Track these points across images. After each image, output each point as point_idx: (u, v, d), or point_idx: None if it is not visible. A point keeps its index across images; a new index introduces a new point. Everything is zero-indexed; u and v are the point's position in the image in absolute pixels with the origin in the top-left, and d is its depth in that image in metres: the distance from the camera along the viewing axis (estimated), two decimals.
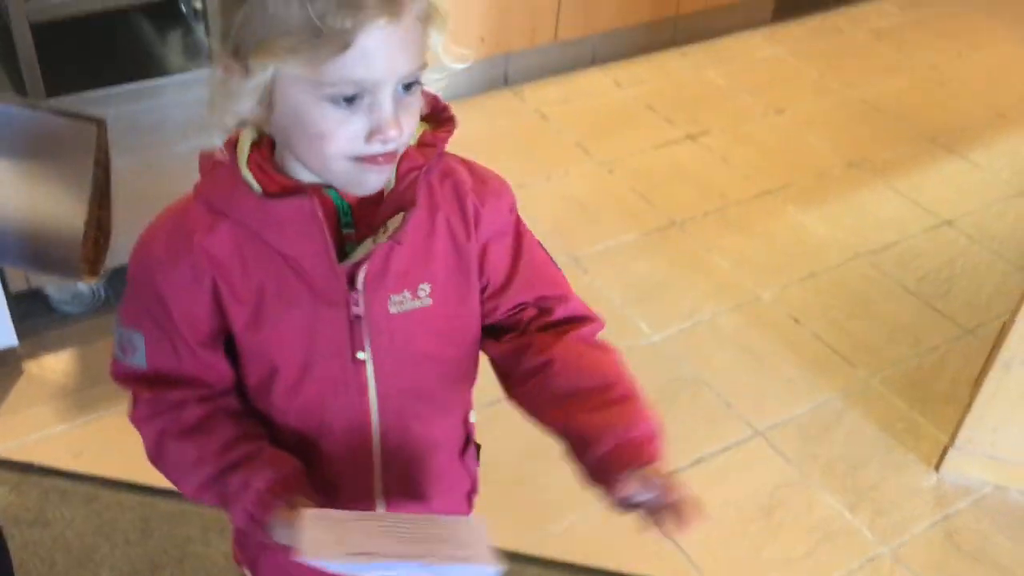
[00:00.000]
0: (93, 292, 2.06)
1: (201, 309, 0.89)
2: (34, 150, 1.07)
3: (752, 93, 3.06)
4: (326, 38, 0.75)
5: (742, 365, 2.12)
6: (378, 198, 0.88)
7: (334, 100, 0.79)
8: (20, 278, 1.90)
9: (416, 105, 0.84)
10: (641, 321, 2.20)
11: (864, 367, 2.14)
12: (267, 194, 0.86)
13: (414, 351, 0.94)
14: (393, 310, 0.91)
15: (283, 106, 0.81)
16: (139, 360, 0.91)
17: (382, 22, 0.76)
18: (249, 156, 0.87)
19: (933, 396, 2.09)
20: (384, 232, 0.86)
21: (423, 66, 0.82)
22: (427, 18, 0.81)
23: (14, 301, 1.92)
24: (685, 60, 3.21)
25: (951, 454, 1.89)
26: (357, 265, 0.88)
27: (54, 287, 2.01)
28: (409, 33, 0.79)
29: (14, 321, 1.88)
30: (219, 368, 0.93)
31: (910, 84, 3.19)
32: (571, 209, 2.52)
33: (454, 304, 0.94)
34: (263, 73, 0.79)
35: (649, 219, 2.52)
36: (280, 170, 0.87)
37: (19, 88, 1.75)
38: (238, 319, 0.90)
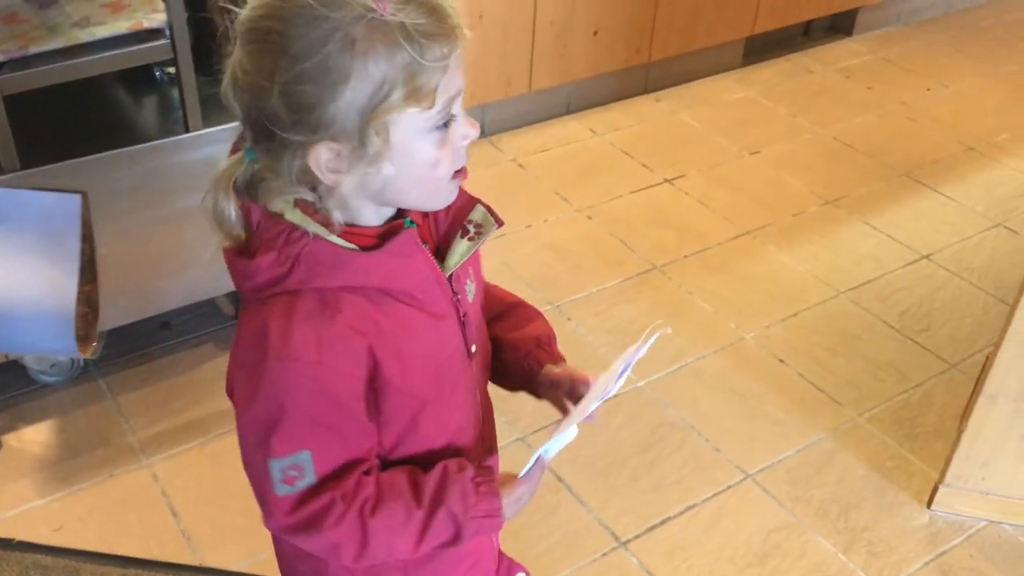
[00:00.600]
0: (72, 361, 2.04)
1: (362, 380, 0.89)
2: (19, 230, 1.06)
3: (726, 135, 3.09)
4: (429, 71, 0.79)
5: (729, 408, 2.12)
6: (425, 212, 0.94)
7: (438, 126, 0.83)
8: None
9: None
10: None
11: (851, 406, 2.14)
12: (366, 248, 0.87)
13: (483, 330, 1.03)
14: (470, 299, 0.98)
15: (391, 155, 0.83)
16: (308, 478, 0.88)
17: (465, 37, 0.81)
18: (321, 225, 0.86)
19: (921, 432, 2.08)
20: (478, 231, 0.93)
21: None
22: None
23: None
24: (659, 105, 3.25)
25: (942, 491, 1.88)
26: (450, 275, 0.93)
27: (32, 357, 1.98)
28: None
29: None
30: (373, 432, 0.93)
31: (881, 121, 3.23)
32: (552, 257, 2.53)
33: (481, 279, 1.03)
34: (380, 136, 0.81)
35: (630, 264, 2.52)
36: (352, 225, 0.88)
37: None
38: (391, 372, 0.89)
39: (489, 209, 0.95)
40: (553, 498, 1.87)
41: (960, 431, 1.82)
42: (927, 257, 2.61)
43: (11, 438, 1.94)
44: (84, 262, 1.01)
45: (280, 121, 0.81)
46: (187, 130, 1.87)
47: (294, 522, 0.90)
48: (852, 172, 2.95)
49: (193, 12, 1.96)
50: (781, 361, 2.25)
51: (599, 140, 3.04)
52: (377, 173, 0.83)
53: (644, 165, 2.93)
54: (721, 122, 3.16)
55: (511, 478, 0.96)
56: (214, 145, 1.91)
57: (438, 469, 0.93)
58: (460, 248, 0.93)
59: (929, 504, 1.90)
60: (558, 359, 1.07)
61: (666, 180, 2.87)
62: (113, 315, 1.99)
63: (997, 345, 1.71)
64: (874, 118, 3.25)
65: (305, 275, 0.85)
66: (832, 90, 3.40)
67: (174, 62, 1.82)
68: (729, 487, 1.94)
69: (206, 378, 2.09)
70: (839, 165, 2.99)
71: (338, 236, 0.86)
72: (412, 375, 0.91)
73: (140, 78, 2.03)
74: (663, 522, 1.85)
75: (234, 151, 0.89)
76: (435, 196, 0.89)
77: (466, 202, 0.94)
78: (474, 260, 0.99)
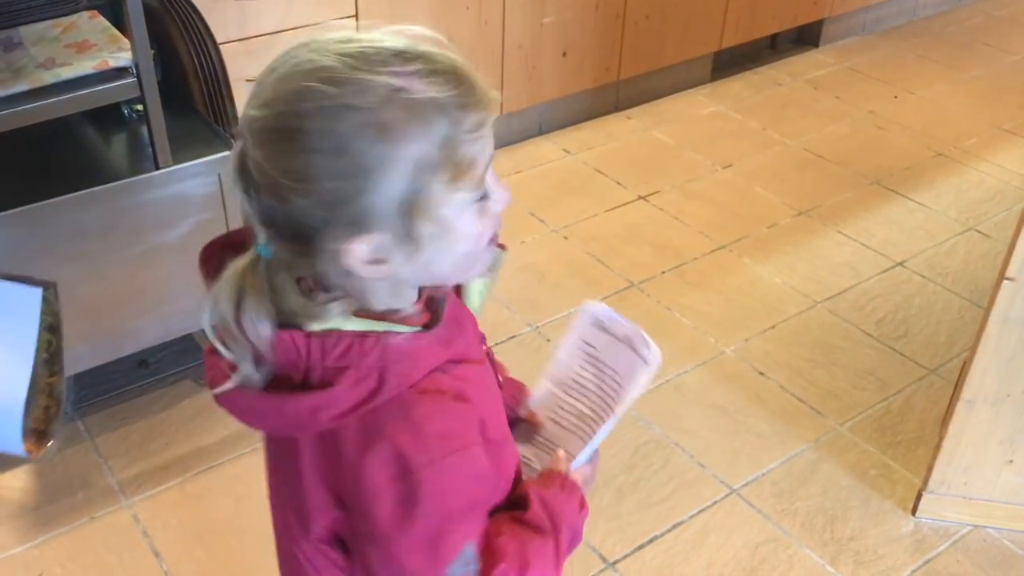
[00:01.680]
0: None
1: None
2: None
3: (698, 150, 3.11)
4: (467, 143, 0.74)
5: (712, 423, 2.12)
6: None
7: (477, 199, 0.78)
8: None
9: None
10: None
11: (832, 415, 2.15)
12: (426, 327, 0.82)
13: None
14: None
15: (432, 236, 0.77)
16: (474, 566, 0.82)
17: (497, 102, 0.78)
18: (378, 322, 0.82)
19: (903, 439, 2.09)
20: (491, 272, 0.90)
21: None
22: None
23: None
24: (630, 123, 3.26)
25: (926, 497, 1.88)
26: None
27: None
28: None
29: None
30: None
31: (850, 130, 3.27)
32: (529, 278, 2.53)
33: None
34: (425, 220, 0.75)
35: (608, 282, 2.53)
36: (395, 311, 0.82)
37: None
38: (491, 428, 0.88)
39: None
40: None
41: (941, 437, 1.83)
42: (901, 264, 2.63)
43: None
44: (52, 353, 0.97)
45: (312, 219, 0.74)
46: (157, 167, 1.86)
47: None
48: (824, 182, 2.98)
49: (160, 49, 1.96)
50: (761, 374, 2.25)
51: (572, 160, 3.06)
52: (422, 258, 0.77)
53: (618, 183, 2.94)
54: (692, 137, 3.18)
55: (566, 461, 0.98)
56: (185, 181, 1.90)
57: (538, 498, 0.91)
58: (476, 286, 0.90)
59: (914, 511, 1.91)
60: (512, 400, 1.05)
61: (640, 197, 2.88)
62: (89, 355, 1.97)
63: (972, 349, 1.73)
64: (843, 127, 3.28)
65: (397, 379, 0.78)
66: (801, 101, 3.43)
67: (142, 99, 1.81)
68: (715, 503, 1.94)
69: (185, 415, 2.07)
70: (811, 175, 3.01)
71: (400, 324, 0.81)
72: (499, 424, 0.91)
73: (109, 116, 2.02)
74: (650, 541, 1.85)
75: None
76: (473, 267, 0.84)
77: None
78: None
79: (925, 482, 1.88)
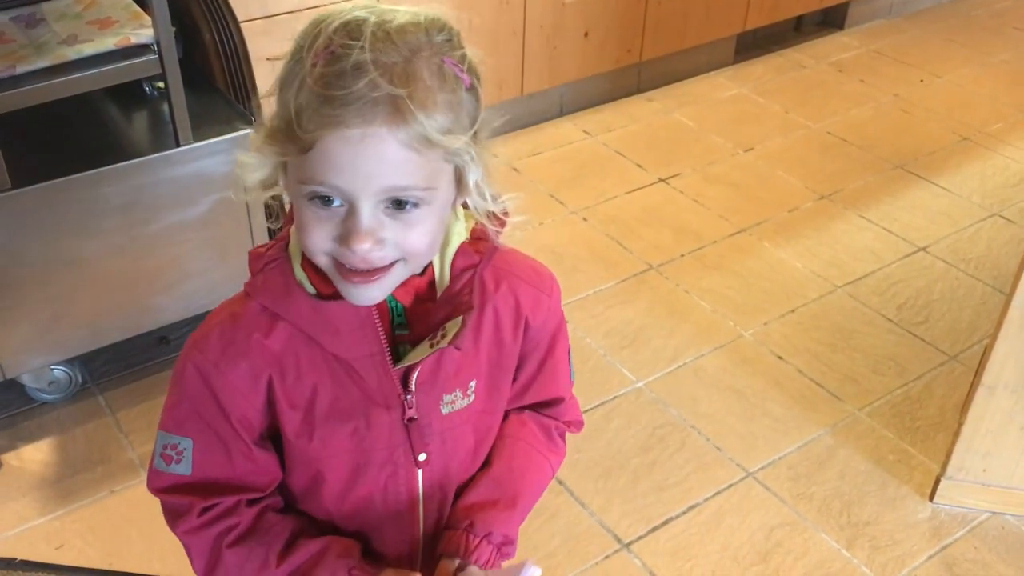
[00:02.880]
0: (70, 378, 2.04)
1: (256, 410, 0.88)
2: None
3: (720, 133, 3.09)
4: (295, 135, 0.75)
5: (729, 406, 2.11)
6: (431, 295, 0.87)
7: (310, 197, 0.78)
8: None
9: (423, 224, 0.80)
10: (624, 368, 2.19)
11: (851, 400, 2.13)
12: (320, 295, 0.84)
13: (458, 447, 0.94)
14: (445, 411, 0.91)
15: (289, 191, 0.82)
16: (184, 468, 0.89)
17: (349, 133, 0.73)
18: (303, 256, 0.85)
19: (922, 425, 2.08)
20: (443, 336, 0.85)
21: (425, 188, 0.78)
22: (427, 143, 0.76)
23: None
24: (651, 105, 3.24)
25: (944, 483, 1.87)
26: (410, 368, 0.87)
27: (30, 376, 1.98)
28: (395, 151, 0.75)
29: None
30: (271, 469, 0.91)
31: (875, 114, 3.23)
32: (548, 260, 2.49)
33: (489, 399, 0.95)
34: (266, 154, 0.80)
35: (626, 265, 2.52)
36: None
37: None
38: (289, 425, 0.88)
39: (464, 324, 0.86)
40: (554, 502, 1.86)
41: (960, 423, 1.81)
42: (924, 249, 2.60)
43: (11, 457, 1.94)
44: None
45: None
46: (178, 144, 1.87)
47: (161, 501, 0.92)
48: (846, 166, 2.95)
49: (181, 26, 1.96)
50: (780, 358, 2.24)
51: (592, 141, 3.04)
52: (260, 173, 0.82)
53: (638, 165, 2.93)
54: (714, 120, 3.16)
55: (405, 573, 0.90)
56: (205, 159, 1.91)
57: (319, 544, 0.90)
58: (419, 349, 0.86)
59: (931, 497, 1.90)
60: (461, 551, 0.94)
61: (661, 179, 2.86)
62: (110, 331, 1.99)
63: (994, 336, 1.71)
64: (868, 111, 3.24)
65: (259, 287, 0.87)
66: (825, 84, 3.40)
67: (163, 77, 1.82)
68: (730, 485, 1.93)
69: None
70: (833, 159, 2.98)
71: (302, 267, 0.85)
72: (314, 440, 0.88)
73: (130, 93, 2.03)
74: (665, 523, 1.85)
75: None
76: (328, 273, 0.82)
77: (462, 304, 0.87)
78: (490, 377, 0.93)
79: (943, 468, 1.87)
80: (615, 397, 2.12)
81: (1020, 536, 1.84)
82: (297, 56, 0.77)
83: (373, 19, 0.76)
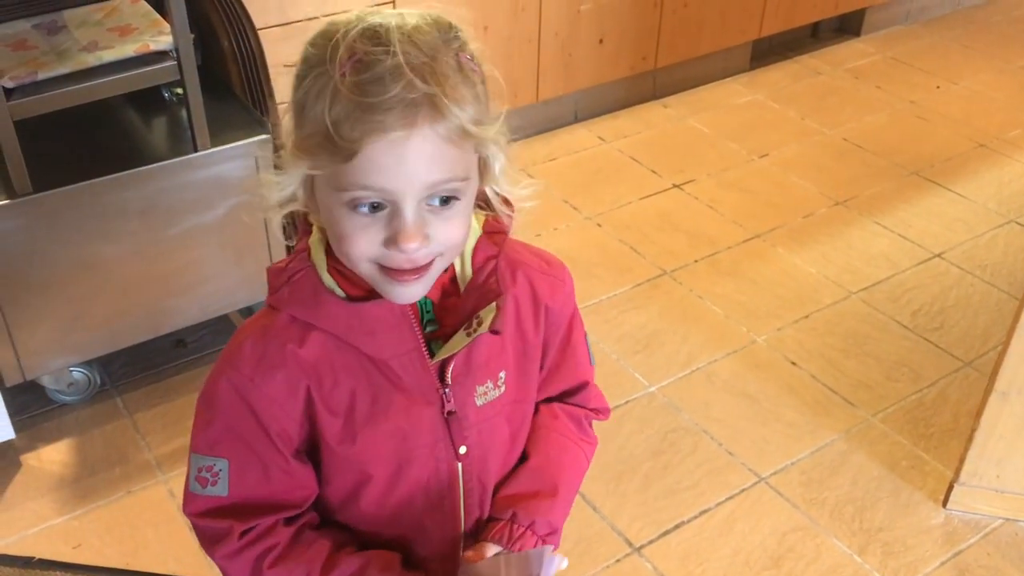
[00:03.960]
0: (89, 379, 2.06)
1: (294, 421, 0.87)
2: None
3: (735, 139, 3.09)
4: (337, 145, 0.76)
5: (742, 411, 2.11)
6: (455, 290, 0.89)
7: (352, 205, 0.79)
8: (15, 370, 1.91)
9: (460, 217, 0.82)
10: (637, 373, 2.20)
11: (864, 406, 2.13)
12: (351, 298, 0.85)
13: (495, 439, 0.95)
14: (479, 402, 0.92)
15: (320, 204, 0.82)
16: (220, 489, 0.88)
17: (393, 135, 0.75)
18: (327, 264, 0.86)
19: (936, 431, 2.07)
20: (479, 323, 0.87)
21: (463, 179, 0.80)
22: (465, 135, 0.79)
23: (9, 394, 1.93)
24: (666, 111, 3.25)
25: (957, 489, 1.87)
26: (445, 361, 0.88)
27: (49, 377, 2.01)
28: (437, 146, 0.77)
29: (10, 414, 1.88)
30: (308, 483, 0.91)
31: (891, 120, 3.23)
32: None
33: (519, 388, 0.96)
34: (294, 171, 0.80)
35: (640, 270, 2.53)
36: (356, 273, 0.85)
37: (6, 185, 1.77)
38: (330, 431, 0.88)
39: (499, 309, 0.88)
40: None
41: (973, 429, 1.81)
42: (939, 255, 2.60)
43: (30, 457, 1.97)
44: None
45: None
46: (196, 149, 1.90)
47: (197, 525, 0.91)
48: (862, 172, 2.95)
49: (200, 33, 1.99)
50: (793, 363, 2.24)
51: (607, 147, 3.05)
52: (289, 190, 0.83)
53: (653, 171, 2.93)
54: (729, 126, 3.17)
55: None
56: (222, 164, 1.93)
57: (358, 560, 0.90)
58: (455, 340, 0.88)
59: (944, 503, 1.89)
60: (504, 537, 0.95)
61: (675, 185, 2.87)
62: (128, 333, 2.02)
63: (1007, 341, 1.71)
64: (884, 117, 3.24)
65: (288, 298, 0.87)
66: (841, 91, 3.40)
67: (181, 83, 1.84)
68: (743, 490, 1.94)
69: None
70: (849, 165, 2.98)
71: (331, 273, 0.86)
72: (357, 444, 0.88)
73: (149, 99, 2.06)
74: (677, 527, 1.86)
75: None
76: (362, 277, 0.84)
77: (490, 292, 0.88)
78: (518, 367, 0.94)
79: (957, 474, 1.86)
80: (628, 401, 2.13)
81: None
82: (317, 70, 0.78)
83: (393, 23, 0.77)
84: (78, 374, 2.04)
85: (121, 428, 2.03)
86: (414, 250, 0.79)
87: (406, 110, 0.75)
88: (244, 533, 0.88)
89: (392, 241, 0.79)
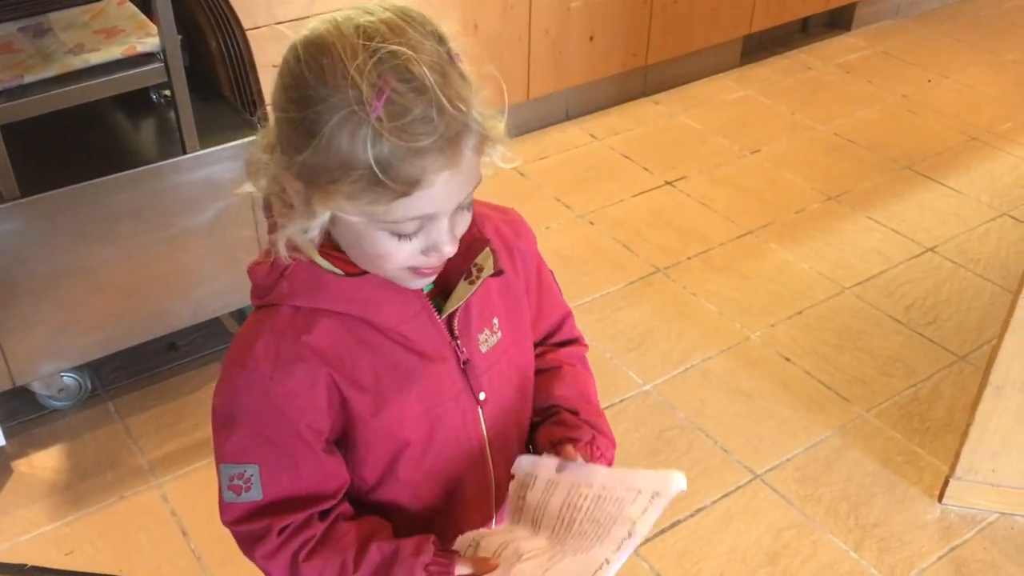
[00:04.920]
0: (80, 384, 2.05)
1: (319, 411, 0.88)
2: None
3: (726, 135, 3.09)
4: (387, 187, 0.76)
5: (736, 408, 2.11)
6: None
7: (394, 231, 0.81)
8: (5, 376, 1.90)
9: (471, 207, 0.86)
10: (631, 371, 2.19)
11: (859, 402, 2.13)
12: (350, 275, 0.87)
13: (505, 385, 0.98)
14: (483, 349, 0.95)
15: (343, 227, 0.83)
16: (255, 493, 0.88)
17: (445, 174, 0.77)
18: (318, 247, 0.87)
19: (931, 426, 2.07)
20: (479, 271, 0.90)
21: (480, 180, 0.83)
22: (483, 142, 0.81)
23: (0, 400, 1.92)
24: (657, 108, 3.25)
25: (953, 484, 1.86)
26: (451, 315, 0.91)
27: (40, 383, 2.00)
28: (470, 160, 0.80)
29: (1, 420, 1.87)
30: (340, 473, 0.91)
31: (882, 115, 3.22)
32: (554, 264, 2.49)
33: (514, 332, 1.00)
34: (325, 213, 0.80)
35: (633, 268, 2.52)
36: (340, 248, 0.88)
37: None
38: (362, 407, 0.89)
39: (494, 253, 0.92)
40: None
41: (968, 423, 1.81)
42: (932, 249, 2.60)
43: (22, 463, 1.95)
44: None
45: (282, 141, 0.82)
46: (184, 151, 1.89)
47: (236, 532, 0.91)
48: (854, 167, 2.94)
49: (187, 35, 1.98)
50: (787, 359, 2.24)
51: (599, 145, 3.05)
52: (317, 231, 0.83)
53: (645, 168, 2.93)
54: (720, 122, 3.16)
55: (480, 562, 0.88)
56: (212, 165, 1.92)
57: (391, 546, 0.90)
58: (459, 291, 0.91)
59: (940, 498, 1.89)
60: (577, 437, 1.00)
61: (667, 182, 2.87)
62: (119, 337, 2.00)
63: (1001, 335, 1.70)
64: (875, 112, 3.24)
65: (287, 290, 0.87)
66: (832, 86, 3.39)
67: (169, 84, 1.83)
68: (738, 488, 1.93)
69: None
70: (841, 160, 2.98)
71: (322, 256, 0.86)
72: (390, 413, 0.89)
73: (137, 102, 2.05)
74: (673, 525, 1.85)
75: None
76: (392, 278, 0.87)
77: (476, 242, 0.91)
78: (507, 311, 0.97)
79: (952, 469, 1.86)
80: (622, 400, 2.12)
81: None
82: (337, 108, 0.75)
83: (403, 51, 0.76)
84: (69, 379, 2.03)
85: (113, 433, 2.02)
86: (450, 254, 0.84)
87: (451, 143, 0.77)
88: (282, 530, 0.89)
89: (432, 249, 0.82)
